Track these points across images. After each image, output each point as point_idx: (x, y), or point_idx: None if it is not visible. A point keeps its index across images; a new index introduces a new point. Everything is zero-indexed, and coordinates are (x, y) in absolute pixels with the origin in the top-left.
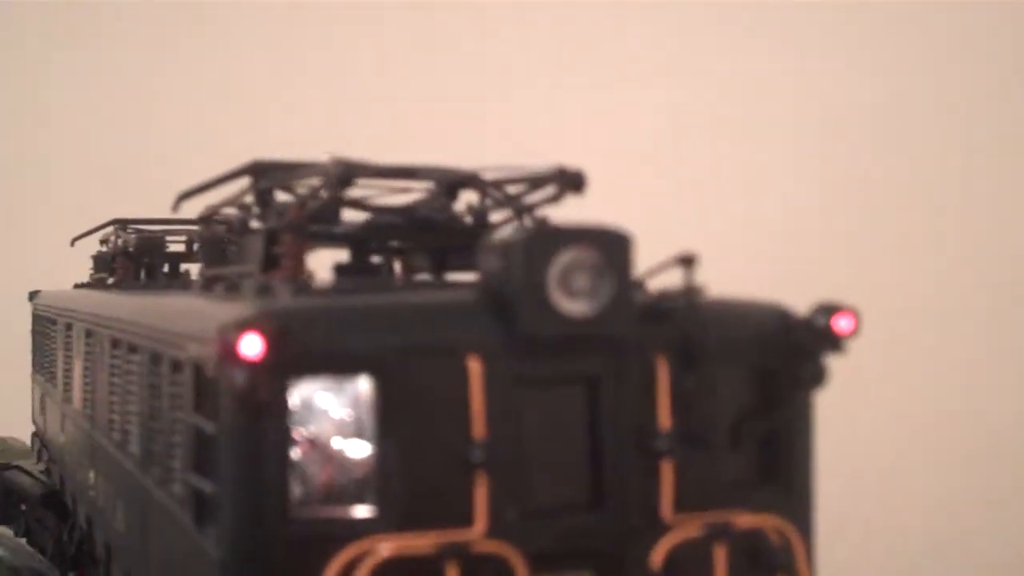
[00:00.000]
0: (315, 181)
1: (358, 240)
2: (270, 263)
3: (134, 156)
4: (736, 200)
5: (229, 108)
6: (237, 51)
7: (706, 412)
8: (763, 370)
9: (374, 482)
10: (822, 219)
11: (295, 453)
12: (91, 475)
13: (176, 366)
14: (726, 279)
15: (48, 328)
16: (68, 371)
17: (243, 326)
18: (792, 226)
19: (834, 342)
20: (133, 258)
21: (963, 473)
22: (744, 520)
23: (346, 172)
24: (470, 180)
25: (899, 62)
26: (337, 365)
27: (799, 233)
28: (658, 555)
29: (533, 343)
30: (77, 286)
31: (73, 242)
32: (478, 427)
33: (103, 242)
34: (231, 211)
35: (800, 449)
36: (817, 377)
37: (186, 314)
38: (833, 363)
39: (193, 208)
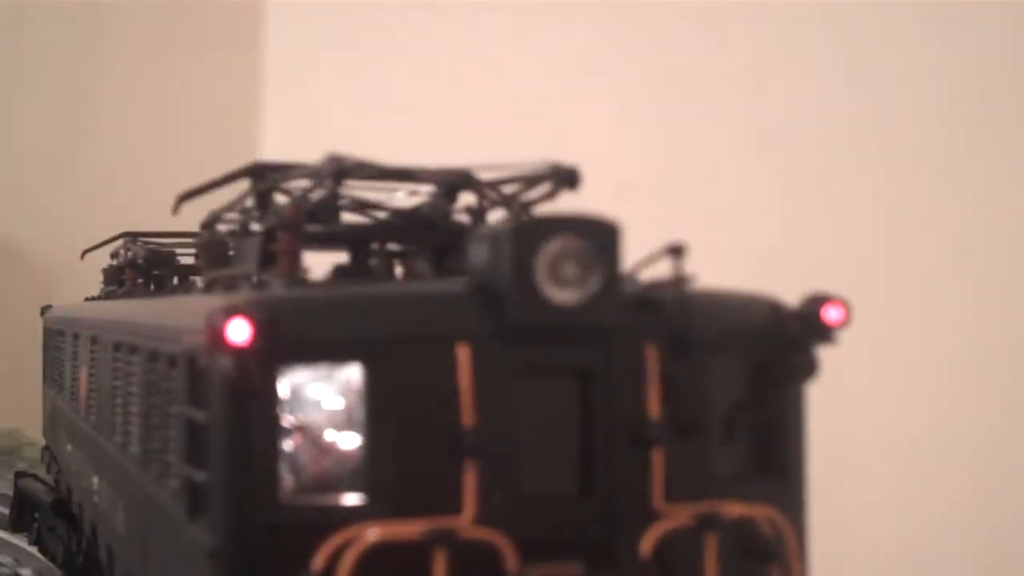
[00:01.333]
0: (309, 181)
1: (356, 240)
2: (267, 261)
3: (152, 167)
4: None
5: (250, 119)
6: (250, 61)
7: (697, 402)
8: (755, 361)
9: (364, 469)
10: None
11: (285, 440)
12: (95, 480)
13: (172, 361)
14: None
15: (58, 340)
16: (75, 380)
17: (231, 312)
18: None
19: (824, 333)
20: (142, 270)
21: (959, 473)
22: (734, 510)
23: (339, 171)
24: (468, 181)
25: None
26: (327, 353)
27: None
28: (647, 544)
29: (522, 332)
30: (88, 299)
31: (83, 255)
32: (467, 415)
33: (114, 255)
34: (233, 216)
35: (792, 440)
36: (808, 368)
37: (182, 311)
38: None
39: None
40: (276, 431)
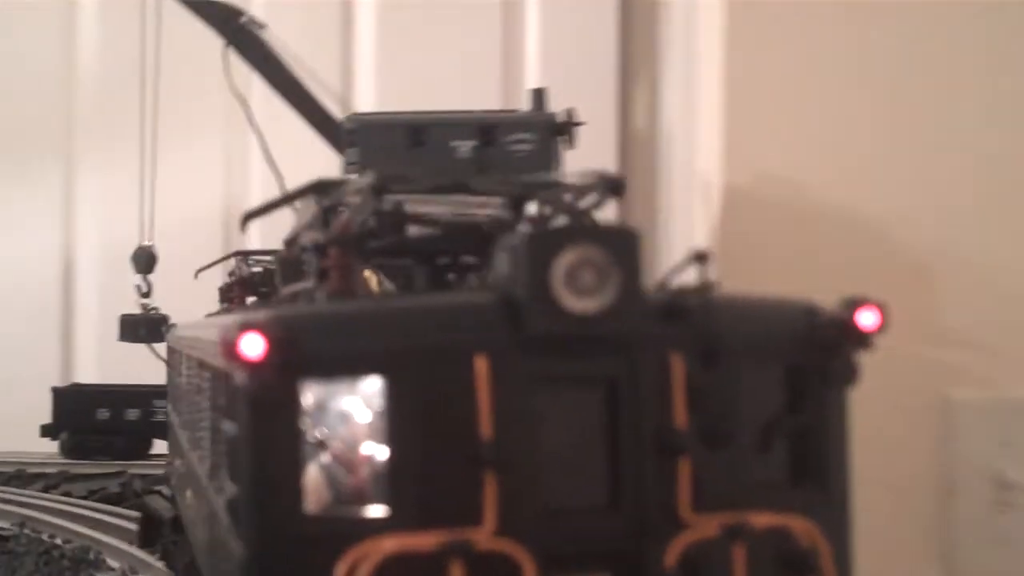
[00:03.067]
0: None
1: (420, 254)
2: (321, 277)
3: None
4: None
5: None
6: None
7: (727, 411)
8: (790, 368)
9: (387, 482)
10: None
11: (307, 453)
12: (188, 494)
13: (218, 375)
14: None
15: (173, 359)
16: (177, 396)
17: (245, 327)
18: None
19: (860, 338)
20: (250, 287)
21: None
22: (762, 520)
23: (377, 185)
24: (534, 191)
25: None
26: (347, 366)
27: None
28: (671, 555)
29: (542, 342)
30: (207, 316)
31: (196, 274)
32: (485, 426)
33: (230, 274)
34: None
35: (833, 450)
36: (847, 375)
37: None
38: None
39: None
40: (298, 444)
